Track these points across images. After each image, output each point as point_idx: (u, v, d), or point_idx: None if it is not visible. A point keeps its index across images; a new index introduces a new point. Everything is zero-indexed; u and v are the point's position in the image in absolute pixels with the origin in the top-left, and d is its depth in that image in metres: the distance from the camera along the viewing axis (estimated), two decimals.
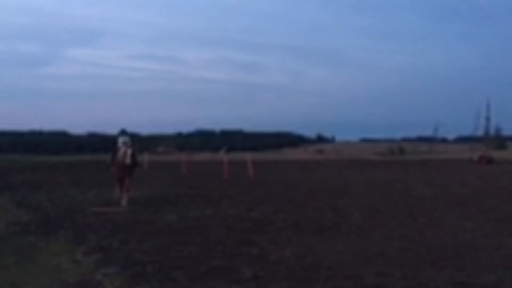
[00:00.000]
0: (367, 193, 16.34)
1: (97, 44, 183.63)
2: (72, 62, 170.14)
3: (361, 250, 7.60)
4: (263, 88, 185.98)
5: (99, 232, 9.16)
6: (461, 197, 14.90)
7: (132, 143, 14.13)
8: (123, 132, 14.80)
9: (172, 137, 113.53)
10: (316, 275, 6.24)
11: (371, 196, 15.36)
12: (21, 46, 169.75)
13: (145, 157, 34.42)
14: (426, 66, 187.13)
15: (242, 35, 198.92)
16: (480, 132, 74.96)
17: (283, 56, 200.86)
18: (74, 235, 8.85)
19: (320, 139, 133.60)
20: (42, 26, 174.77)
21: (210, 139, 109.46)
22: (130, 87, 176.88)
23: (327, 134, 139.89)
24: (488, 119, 74.98)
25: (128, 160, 13.34)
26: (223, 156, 32.24)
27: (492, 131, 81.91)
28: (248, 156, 28.85)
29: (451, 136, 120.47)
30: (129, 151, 13.50)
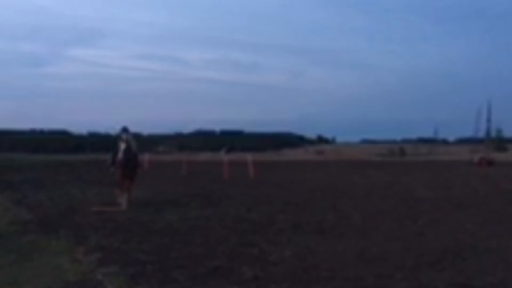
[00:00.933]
0: (367, 194, 16.34)
1: (98, 44, 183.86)
2: (73, 62, 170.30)
3: (361, 252, 7.60)
4: (263, 88, 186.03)
5: (100, 232, 9.15)
6: (461, 198, 14.89)
7: (131, 138, 13.18)
8: (124, 130, 14.03)
9: (173, 137, 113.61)
10: (316, 276, 6.23)
11: (371, 197, 15.36)
12: (22, 45, 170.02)
13: (145, 157, 34.44)
14: (426, 67, 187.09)
15: (243, 35, 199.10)
16: (480, 134, 74.92)
17: (283, 56, 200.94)
18: (75, 235, 8.84)
19: (321, 140, 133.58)
20: (43, 25, 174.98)
21: (211, 139, 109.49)
22: (130, 87, 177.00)
23: (327, 135, 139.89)
24: (489, 120, 74.90)
25: (119, 156, 12.53)
26: (223, 156, 32.25)
27: (493, 133, 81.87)
28: (249, 156, 28.86)
29: (451, 137, 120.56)
30: (122, 146, 12.64)
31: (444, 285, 5.83)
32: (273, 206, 13.04)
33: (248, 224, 10.13)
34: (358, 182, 21.70)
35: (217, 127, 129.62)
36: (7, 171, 30.14)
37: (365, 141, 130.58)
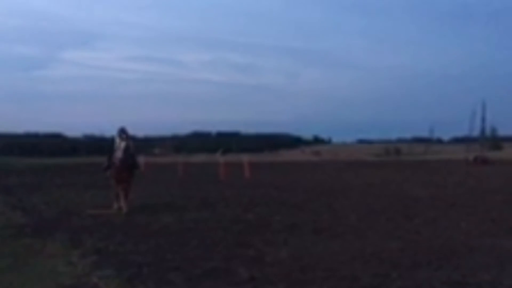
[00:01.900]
0: (363, 194, 16.38)
1: (93, 46, 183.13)
2: (68, 65, 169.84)
3: (357, 251, 7.62)
4: (259, 89, 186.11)
5: (95, 235, 9.13)
6: (456, 197, 14.96)
7: (128, 137, 12.46)
8: (122, 131, 13.20)
9: (169, 139, 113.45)
10: (312, 276, 6.25)
11: (367, 197, 15.40)
12: (17, 48, 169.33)
13: (141, 159, 34.35)
14: (421, 67, 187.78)
15: (239, 36, 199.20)
16: (475, 133, 75.27)
17: (279, 57, 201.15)
18: (70, 238, 8.82)
19: (317, 141, 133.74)
20: (38, 28, 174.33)
21: (207, 141, 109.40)
22: (126, 89, 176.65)
23: (323, 135, 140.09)
24: (483, 119, 75.29)
25: (119, 155, 11.82)
26: (219, 158, 32.23)
27: (487, 132, 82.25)
28: (245, 157, 28.86)
29: (446, 136, 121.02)
30: (122, 144, 11.91)
31: (439, 283, 5.86)
32: (270, 207, 13.05)
33: (244, 225, 10.14)
34: (354, 182, 21.75)
35: (213, 129, 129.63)
36: (2, 174, 29.99)
37: (361, 141, 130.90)
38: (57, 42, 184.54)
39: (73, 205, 13.75)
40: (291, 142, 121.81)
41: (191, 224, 10.31)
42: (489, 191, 17.00)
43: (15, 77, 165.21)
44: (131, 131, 13.01)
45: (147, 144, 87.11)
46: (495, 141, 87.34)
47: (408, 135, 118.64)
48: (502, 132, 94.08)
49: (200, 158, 60.26)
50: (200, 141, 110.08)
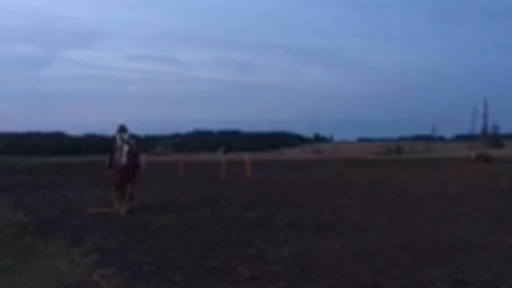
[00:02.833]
0: (364, 192, 16.37)
1: (94, 45, 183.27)
2: (69, 64, 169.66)
3: (358, 249, 7.63)
4: (260, 88, 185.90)
5: (97, 233, 9.15)
6: (458, 195, 14.94)
7: (130, 139, 12.11)
8: (122, 129, 12.85)
9: (170, 137, 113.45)
10: (314, 274, 6.25)
11: (368, 195, 15.39)
12: (18, 47, 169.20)
13: (143, 158, 34.36)
14: (423, 64, 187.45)
15: (240, 35, 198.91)
16: (477, 131, 75.24)
17: (280, 56, 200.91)
18: (72, 237, 8.84)
19: (318, 139, 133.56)
20: (39, 27, 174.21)
21: (208, 140, 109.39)
22: (127, 88, 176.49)
23: (325, 133, 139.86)
24: (485, 117, 75.29)
25: (123, 160, 11.37)
26: (221, 156, 32.25)
27: (489, 130, 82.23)
28: (246, 156, 28.86)
29: (448, 134, 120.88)
30: (125, 148, 11.48)
31: (440, 282, 5.86)
32: (271, 205, 13.06)
33: (246, 224, 10.15)
34: (355, 180, 21.74)
35: (214, 127, 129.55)
36: (4, 173, 30.05)
37: (362, 140, 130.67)
38: (58, 41, 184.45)
39: (74, 204, 13.77)
40: (292, 140, 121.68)
41: (192, 223, 10.33)
42: (490, 188, 16.98)
43: (16, 77, 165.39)
44: (132, 129, 12.85)
45: (148, 142, 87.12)
46: (497, 139, 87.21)
47: (410, 133, 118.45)
48: (504, 129, 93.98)
49: (201, 156, 60.28)
50: (201, 140, 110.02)
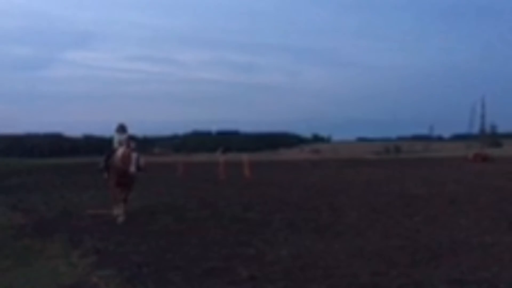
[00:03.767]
0: (363, 192, 16.38)
1: (92, 46, 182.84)
2: (67, 65, 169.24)
3: (357, 249, 7.63)
4: (259, 88, 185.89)
5: (95, 235, 9.13)
6: (456, 195, 14.95)
7: (129, 140, 11.08)
8: (121, 129, 11.72)
9: (168, 138, 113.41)
10: (313, 274, 6.25)
11: (367, 195, 15.39)
12: (16, 49, 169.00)
13: (141, 159, 34.27)
14: (421, 64, 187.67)
15: (238, 35, 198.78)
16: (475, 130, 75.34)
17: (279, 56, 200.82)
18: (70, 238, 8.83)
19: (317, 139, 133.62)
20: (37, 29, 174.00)
21: (206, 140, 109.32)
22: (126, 89, 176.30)
23: (323, 133, 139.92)
24: (483, 116, 75.38)
25: (132, 169, 10.48)
26: (219, 157, 32.21)
27: (487, 129, 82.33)
28: (245, 156, 28.86)
29: (447, 134, 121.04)
30: (134, 155, 10.60)
31: (439, 282, 5.87)
32: (269, 205, 13.05)
33: (244, 224, 10.14)
34: (353, 181, 21.75)
35: (213, 128, 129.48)
36: (2, 175, 29.99)
37: (360, 139, 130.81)
38: (56, 43, 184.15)
39: (73, 206, 13.75)
40: (291, 140, 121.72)
41: (190, 224, 10.32)
42: (488, 188, 17.00)
43: (15, 78, 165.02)
44: (131, 130, 12.37)
45: (146, 143, 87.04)
46: (495, 138, 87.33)
47: (408, 133, 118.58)
48: (502, 129, 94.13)
49: (200, 157, 60.24)
50: (199, 141, 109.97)
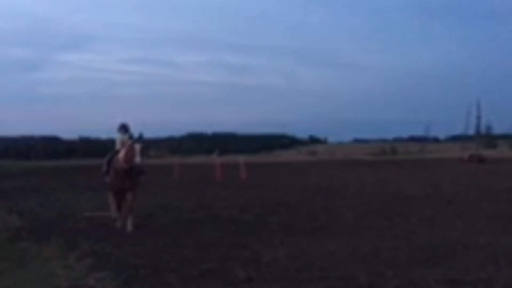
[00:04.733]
0: (359, 193, 16.42)
1: (89, 48, 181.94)
2: (63, 67, 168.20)
3: (354, 250, 7.65)
4: (255, 90, 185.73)
5: (92, 237, 9.12)
6: (452, 196, 15.02)
7: (140, 140, 10.15)
8: (123, 128, 10.61)
9: (164, 140, 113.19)
10: (309, 275, 6.27)
11: (363, 196, 15.44)
12: (12, 50, 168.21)
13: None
14: (417, 65, 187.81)
15: (234, 37, 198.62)
16: (471, 131, 75.53)
17: (275, 58, 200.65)
18: (66, 241, 8.80)
19: (313, 140, 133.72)
20: (33, 31, 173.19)
21: (203, 142, 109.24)
22: (121, 91, 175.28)
23: (319, 135, 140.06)
24: (479, 118, 75.55)
25: (138, 159, 9.71)
26: (216, 159, 32.18)
27: (483, 130, 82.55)
28: (241, 158, 28.87)
29: (442, 135, 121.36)
30: (137, 146, 9.80)
31: (435, 282, 5.90)
32: (266, 207, 13.07)
33: (241, 226, 10.16)
34: (350, 182, 21.79)
35: (209, 130, 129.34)
36: None
37: (357, 141, 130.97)
38: (52, 44, 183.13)
39: (69, 208, 13.70)
40: (287, 142, 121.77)
41: (187, 225, 10.32)
42: (484, 189, 17.08)
43: (10, 80, 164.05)
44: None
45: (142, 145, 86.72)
46: (491, 139, 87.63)
47: (404, 134, 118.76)
48: (497, 130, 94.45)
49: (196, 159, 60.18)
50: (195, 142, 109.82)
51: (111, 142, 11.48)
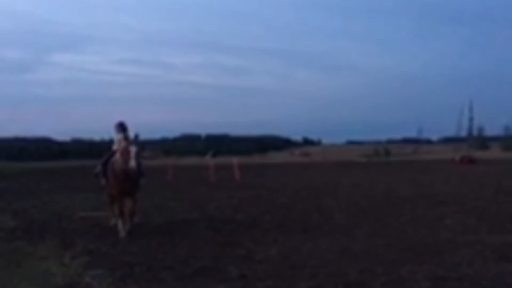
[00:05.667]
0: (351, 194, 16.59)
1: (82, 50, 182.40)
2: (57, 68, 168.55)
3: (345, 249, 7.79)
4: (249, 92, 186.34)
5: (87, 236, 9.19)
6: (442, 196, 15.22)
7: (135, 141, 9.67)
8: (121, 127, 9.76)
9: (158, 141, 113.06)
10: (301, 273, 6.40)
11: (355, 197, 15.60)
12: (5, 52, 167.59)
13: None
14: (410, 68, 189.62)
15: (229, 39, 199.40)
16: (463, 133, 76.21)
17: (269, 60, 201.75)
18: (61, 240, 8.86)
19: (306, 142, 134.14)
20: (27, 32, 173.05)
21: (196, 144, 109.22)
22: (115, 92, 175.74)
23: (313, 137, 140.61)
24: (471, 119, 76.24)
25: (132, 164, 9.02)
26: (209, 160, 32.29)
27: (475, 132, 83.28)
28: (235, 160, 28.99)
29: (435, 137, 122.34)
30: (133, 149, 9.14)
31: (423, 278, 6.05)
32: (259, 207, 13.19)
33: (234, 225, 10.27)
34: (343, 183, 21.98)
35: (202, 131, 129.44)
36: None
37: (350, 142, 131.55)
38: (45, 46, 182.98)
39: (63, 209, 13.74)
40: (281, 143, 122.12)
41: (181, 225, 10.42)
42: (474, 189, 17.31)
43: (3, 81, 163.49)
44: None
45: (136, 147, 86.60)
46: (482, 141, 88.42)
47: (397, 136, 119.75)
48: (489, 132, 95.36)
49: (189, 160, 60.18)
50: (189, 144, 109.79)
51: (104, 143, 11.45)
